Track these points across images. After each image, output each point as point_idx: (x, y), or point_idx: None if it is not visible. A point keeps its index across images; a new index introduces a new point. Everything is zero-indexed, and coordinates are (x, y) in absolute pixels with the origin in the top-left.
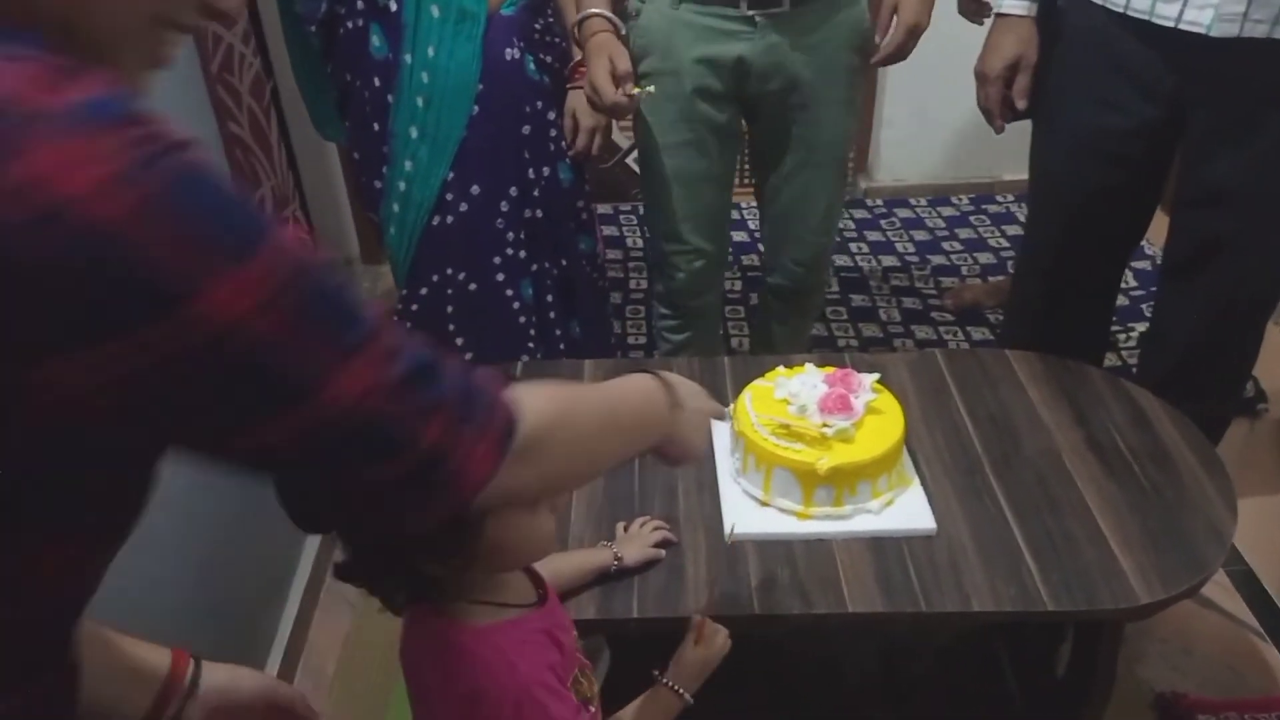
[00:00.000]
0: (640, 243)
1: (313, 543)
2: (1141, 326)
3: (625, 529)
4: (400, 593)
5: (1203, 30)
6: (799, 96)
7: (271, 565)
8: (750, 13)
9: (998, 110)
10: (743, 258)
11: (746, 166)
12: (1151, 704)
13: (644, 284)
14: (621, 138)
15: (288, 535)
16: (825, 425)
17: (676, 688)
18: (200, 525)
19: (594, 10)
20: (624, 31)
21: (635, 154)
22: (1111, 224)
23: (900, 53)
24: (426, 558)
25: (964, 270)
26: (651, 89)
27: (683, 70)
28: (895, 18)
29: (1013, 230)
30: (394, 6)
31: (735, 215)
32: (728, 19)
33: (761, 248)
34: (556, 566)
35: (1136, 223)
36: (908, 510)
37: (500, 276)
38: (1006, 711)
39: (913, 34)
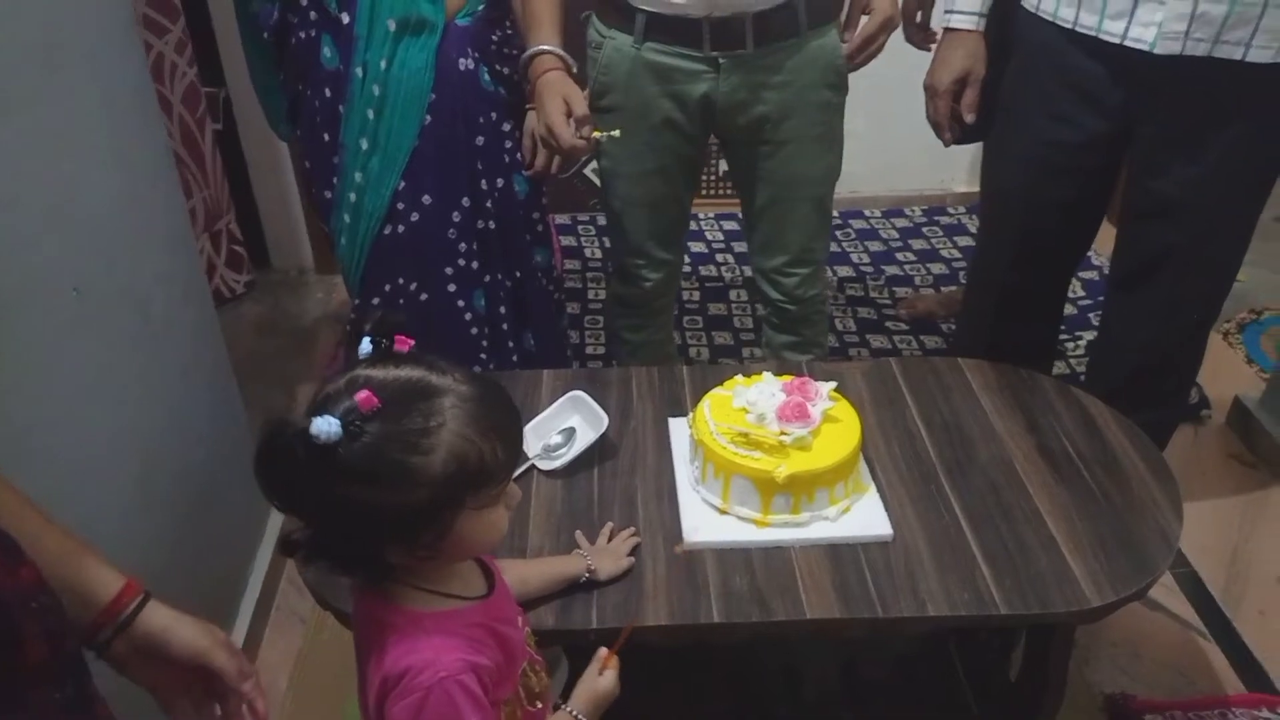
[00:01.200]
0: (599, 253)
1: (263, 560)
2: (1089, 335)
3: (594, 541)
4: (358, 575)
5: (1146, 48)
6: (769, 133)
7: (221, 583)
8: (713, 54)
9: (946, 124)
10: (700, 268)
11: (711, 178)
12: (1101, 706)
13: (603, 294)
14: None
15: (238, 553)
16: (783, 433)
17: (578, 716)
18: (148, 543)
19: (544, 47)
20: (575, 68)
21: (594, 164)
22: (1061, 235)
23: (870, 44)
24: (396, 549)
25: (917, 280)
26: (616, 133)
27: (648, 105)
28: (865, 16)
29: (964, 241)
30: (346, 19)
31: (693, 226)
32: (691, 59)
33: (735, 260)
34: (524, 574)
35: (1084, 234)
36: (864, 517)
37: (452, 287)
38: (962, 716)
39: (885, 27)
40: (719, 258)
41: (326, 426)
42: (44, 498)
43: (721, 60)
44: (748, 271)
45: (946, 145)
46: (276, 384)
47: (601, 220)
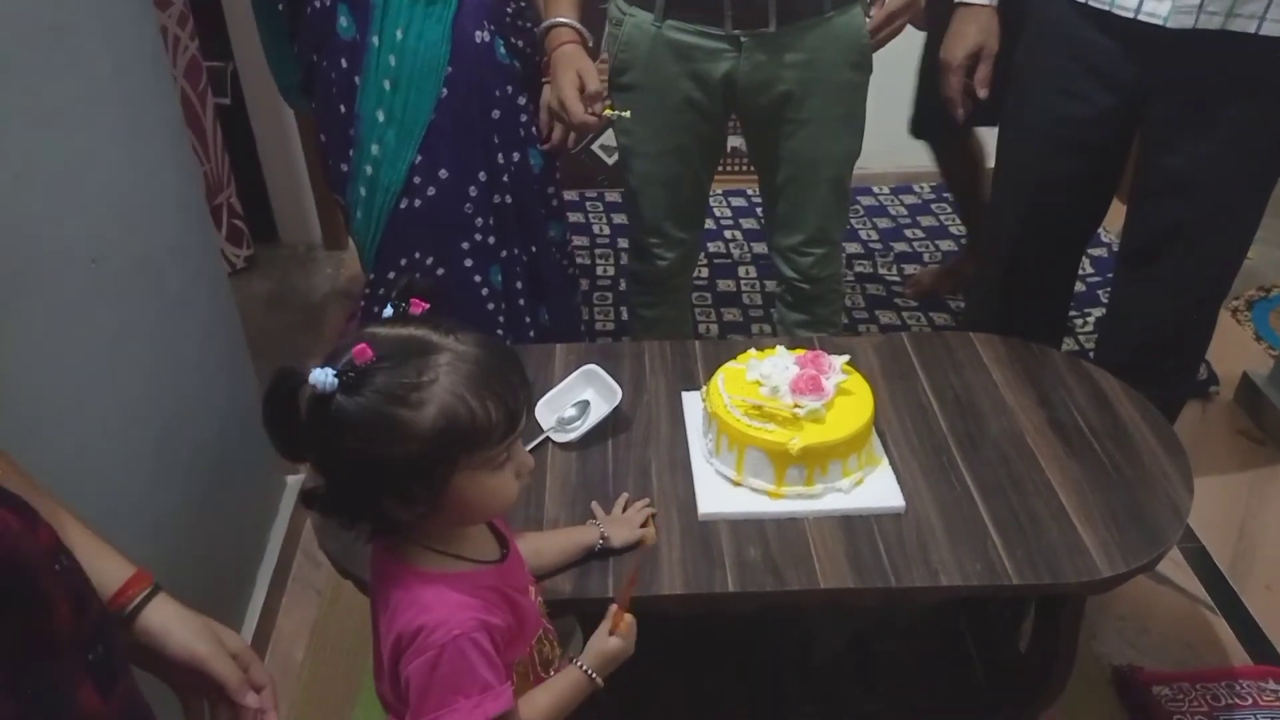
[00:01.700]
0: (607, 229)
1: (279, 532)
2: (1098, 312)
3: (609, 511)
4: (365, 528)
5: (1160, 22)
6: (790, 112)
7: (238, 555)
8: (735, 32)
9: (960, 99)
10: (709, 245)
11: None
12: (1109, 678)
13: (611, 270)
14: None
15: (254, 525)
16: (797, 406)
17: (588, 670)
18: (168, 513)
19: (561, 20)
20: (590, 41)
21: (601, 141)
22: (1071, 210)
23: (893, 20)
24: (394, 503)
25: (926, 257)
26: (627, 114)
27: (668, 84)
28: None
29: None
30: None
31: None
32: (712, 38)
33: (743, 236)
34: (538, 545)
35: (1095, 210)
36: (877, 489)
37: (468, 262)
38: (971, 687)
39: (909, 6)
40: (727, 234)
41: (323, 377)
42: (66, 466)
43: (743, 39)
44: (756, 248)
45: (960, 122)
46: (287, 358)
47: (610, 197)
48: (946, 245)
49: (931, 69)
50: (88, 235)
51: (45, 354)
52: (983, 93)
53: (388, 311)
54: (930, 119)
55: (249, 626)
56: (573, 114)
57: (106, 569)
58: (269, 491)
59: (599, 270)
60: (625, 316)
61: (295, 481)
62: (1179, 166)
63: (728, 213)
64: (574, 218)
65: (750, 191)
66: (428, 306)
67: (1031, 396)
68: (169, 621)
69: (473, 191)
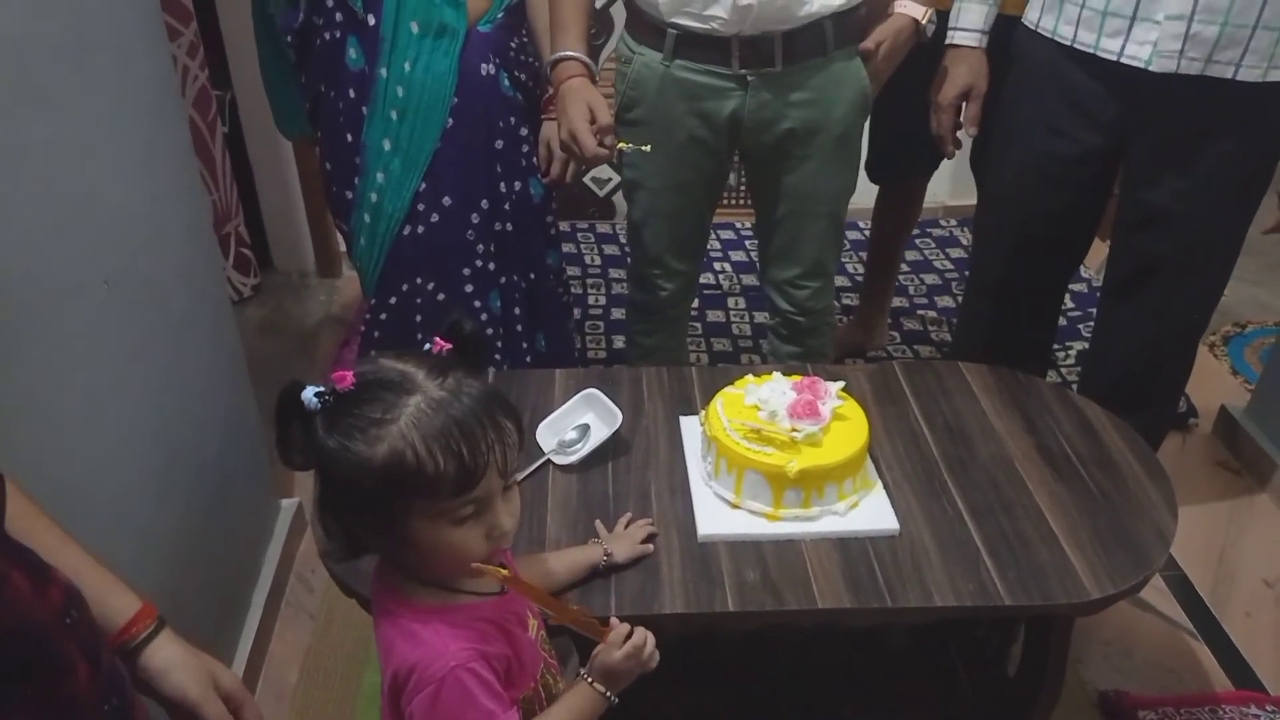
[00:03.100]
0: (598, 259)
1: (273, 555)
2: (1079, 345)
3: (610, 529)
4: (359, 552)
5: (1142, 65)
6: (793, 148)
7: (234, 577)
8: (742, 72)
9: (950, 137)
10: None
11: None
12: (1095, 702)
13: (603, 300)
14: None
15: (250, 548)
16: (794, 430)
17: (594, 683)
18: (170, 534)
19: (569, 53)
20: (598, 75)
21: (592, 173)
22: (1056, 244)
23: (887, 47)
24: (364, 532)
25: (911, 290)
26: (647, 147)
27: (674, 122)
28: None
29: (956, 253)
30: (372, 20)
31: None
32: (720, 77)
33: (754, 269)
34: (550, 566)
35: (1079, 243)
36: (872, 512)
37: (469, 287)
38: (961, 710)
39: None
40: (717, 266)
41: (309, 396)
42: (74, 487)
43: (750, 78)
44: (745, 280)
45: (950, 158)
46: (279, 383)
47: (601, 228)
48: (931, 279)
49: (889, 113)
50: (101, 258)
51: (58, 375)
52: (972, 131)
53: (427, 346)
54: (885, 163)
55: (243, 649)
56: (585, 146)
57: (114, 604)
58: (264, 515)
59: (590, 299)
60: (617, 345)
61: (290, 505)
62: (1160, 202)
63: (717, 245)
64: (566, 248)
65: (739, 225)
66: (449, 347)
67: (1019, 423)
68: (168, 663)
69: (475, 219)
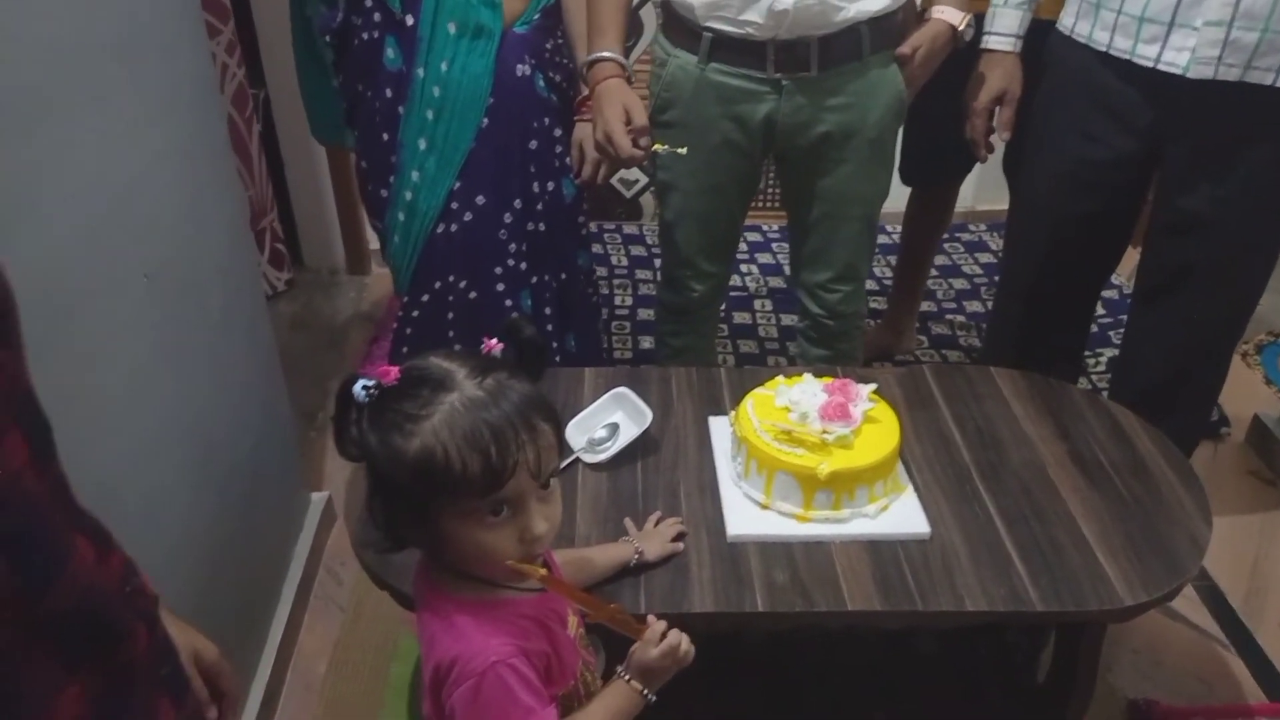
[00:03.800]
0: (625, 260)
1: (303, 548)
2: (1109, 352)
3: (640, 527)
4: (402, 545)
5: (1180, 71)
6: (829, 152)
7: (265, 570)
8: (777, 76)
9: (983, 141)
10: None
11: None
12: (1124, 710)
13: (629, 301)
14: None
15: (280, 541)
16: (825, 432)
17: (635, 683)
18: (205, 525)
19: (606, 54)
20: (632, 77)
21: (619, 174)
22: (1089, 249)
23: (918, 48)
24: (404, 526)
25: (939, 294)
26: (683, 150)
27: (709, 124)
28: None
29: (985, 257)
30: (410, 21)
31: None
32: (755, 81)
33: (781, 271)
34: (589, 556)
35: (1112, 249)
36: (903, 515)
37: (501, 286)
38: (990, 717)
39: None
40: (743, 268)
41: (358, 389)
42: (112, 478)
43: (785, 82)
44: (772, 283)
45: (982, 161)
46: (309, 380)
47: (628, 229)
48: (960, 284)
49: (923, 117)
50: (142, 252)
51: (100, 368)
52: (1005, 135)
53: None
54: (919, 166)
55: (273, 640)
56: (620, 147)
57: None
58: (295, 508)
59: (617, 300)
60: (644, 346)
61: (320, 499)
62: (1195, 207)
63: (744, 248)
64: (593, 249)
65: (766, 227)
66: (500, 347)
67: (1051, 429)
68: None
69: (508, 218)
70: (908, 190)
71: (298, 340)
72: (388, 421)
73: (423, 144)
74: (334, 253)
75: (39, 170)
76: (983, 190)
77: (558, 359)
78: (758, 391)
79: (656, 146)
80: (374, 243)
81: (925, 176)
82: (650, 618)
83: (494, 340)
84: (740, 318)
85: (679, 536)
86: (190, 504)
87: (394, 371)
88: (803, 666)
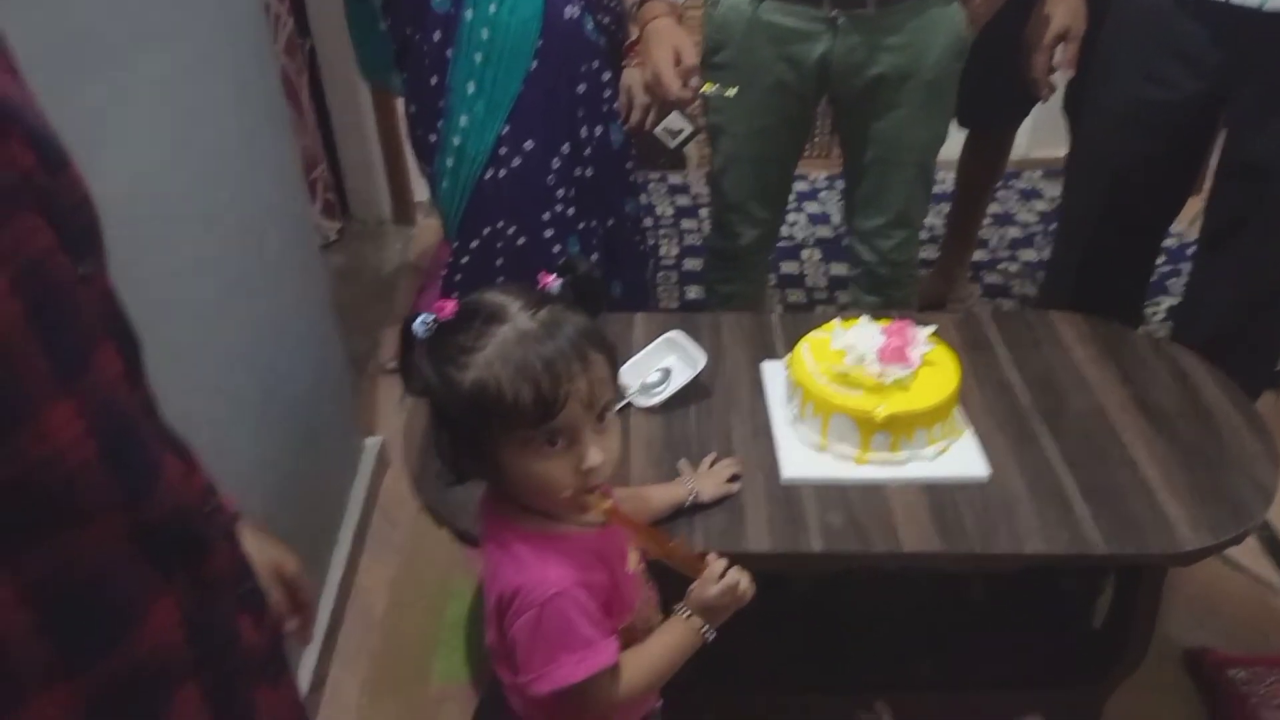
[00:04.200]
0: (670, 210)
1: (359, 492)
2: (1168, 301)
3: (695, 469)
4: (465, 479)
5: (1256, 5)
6: (884, 94)
7: (323, 511)
8: (833, 14)
9: (1045, 79)
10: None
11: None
12: (1181, 659)
13: (675, 250)
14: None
15: (337, 484)
16: (883, 374)
17: (694, 619)
18: (266, 466)
19: None
20: (683, 16)
21: (664, 123)
22: (1151, 194)
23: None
24: (464, 457)
25: (993, 243)
26: (731, 92)
27: (761, 66)
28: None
29: (1040, 205)
30: None
31: None
32: (809, 19)
33: (829, 221)
34: (647, 494)
35: (1175, 194)
36: (961, 458)
37: (549, 232)
38: (1041, 663)
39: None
40: (790, 218)
41: (417, 324)
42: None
43: (840, 20)
44: (820, 232)
45: (1044, 101)
46: (358, 329)
47: (673, 179)
48: (1014, 233)
49: (981, 55)
50: (201, 194)
51: (165, 306)
52: (1069, 73)
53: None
54: (975, 107)
55: (333, 579)
56: (668, 88)
57: None
58: (350, 452)
59: (662, 251)
60: (690, 295)
61: (373, 444)
62: (1263, 149)
63: (791, 197)
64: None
65: (814, 176)
66: (556, 282)
67: (1113, 374)
68: (252, 543)
69: (556, 164)
70: (961, 136)
71: (346, 290)
72: (444, 355)
73: (471, 88)
74: (380, 203)
75: (101, 113)
76: (1038, 136)
77: (600, 319)
78: (813, 335)
79: (705, 88)
80: (419, 194)
81: (982, 118)
82: (710, 555)
83: (551, 276)
84: (788, 267)
85: (734, 478)
86: (251, 443)
87: (450, 306)
88: (848, 615)
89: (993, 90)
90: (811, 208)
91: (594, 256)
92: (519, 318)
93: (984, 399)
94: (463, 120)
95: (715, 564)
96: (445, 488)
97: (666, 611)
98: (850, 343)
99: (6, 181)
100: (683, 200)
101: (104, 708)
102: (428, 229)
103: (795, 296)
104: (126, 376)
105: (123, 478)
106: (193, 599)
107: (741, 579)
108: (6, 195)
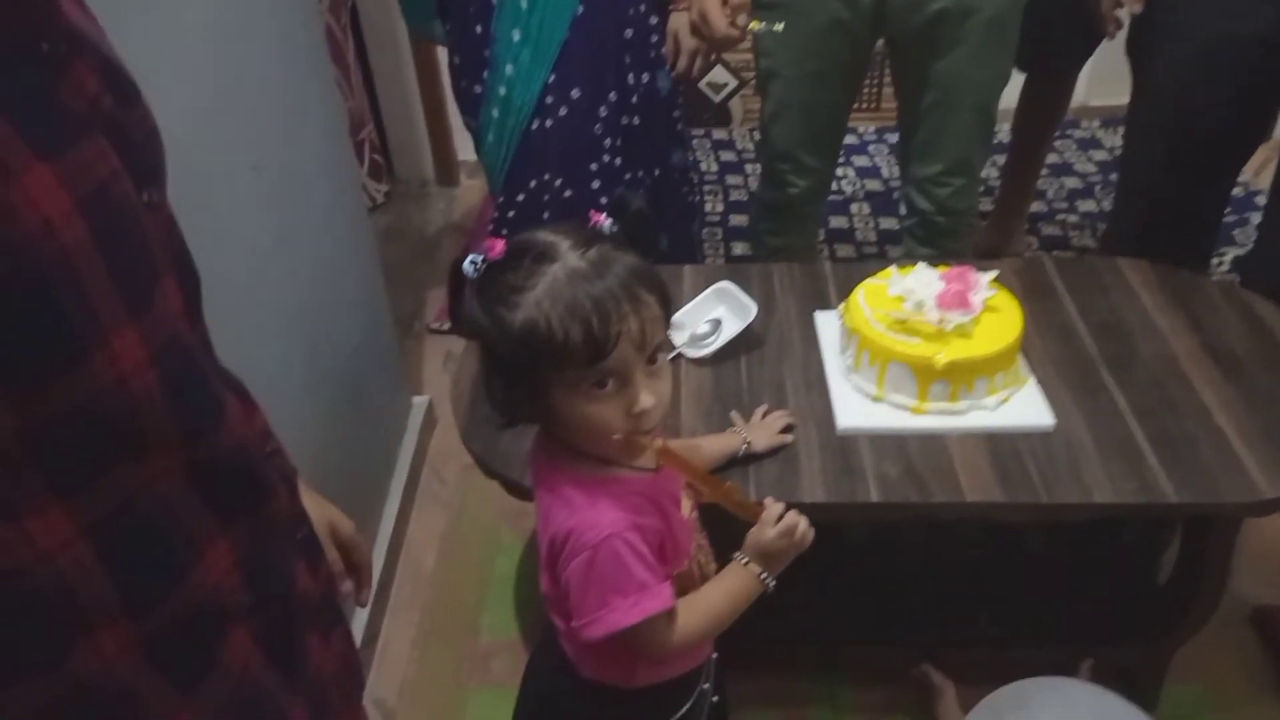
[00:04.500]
0: (715, 166)
1: (408, 449)
2: (1234, 252)
3: (747, 420)
4: (515, 421)
5: None
6: (944, 32)
7: (373, 467)
8: None
9: (1111, 15)
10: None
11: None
12: (1249, 617)
13: (720, 207)
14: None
15: (386, 440)
16: (943, 321)
17: (752, 565)
18: (313, 421)
19: None
20: None
21: (709, 78)
22: (1223, 138)
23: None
24: (514, 398)
25: (1050, 194)
26: (779, 27)
27: (815, 4)
28: None
29: (1099, 155)
30: None
31: None
32: None
33: (878, 174)
34: (698, 444)
35: (1249, 138)
36: (1024, 407)
37: (596, 183)
38: (1103, 619)
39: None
40: (839, 172)
41: (467, 264)
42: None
43: None
44: (870, 185)
45: (1110, 38)
46: (405, 289)
47: (717, 134)
48: (1072, 183)
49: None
50: (247, 143)
51: (215, 251)
52: (1136, 8)
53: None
54: (1036, 47)
55: (384, 534)
56: (715, 26)
57: None
58: (398, 410)
59: (707, 207)
60: (736, 252)
61: (421, 402)
62: None
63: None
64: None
65: (862, 129)
66: (606, 221)
67: (1183, 321)
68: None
69: (603, 112)
70: (1018, 83)
71: (391, 251)
72: (494, 294)
73: (516, 35)
74: (423, 164)
75: (148, 55)
76: (1096, 83)
77: (650, 259)
78: (869, 282)
79: (753, 25)
80: (463, 153)
81: (1044, 59)
82: (768, 499)
83: (601, 215)
84: (837, 222)
85: (787, 429)
86: (300, 396)
87: (500, 245)
88: (903, 569)
89: (1056, 28)
90: (860, 161)
91: None
92: (569, 256)
93: (1047, 347)
94: (508, 69)
95: (773, 507)
96: (495, 432)
97: (723, 561)
98: (909, 288)
99: (75, 106)
100: (728, 156)
101: (162, 647)
102: (471, 189)
103: (845, 252)
104: (186, 312)
105: (185, 411)
106: (250, 542)
107: (800, 522)
108: (74, 119)
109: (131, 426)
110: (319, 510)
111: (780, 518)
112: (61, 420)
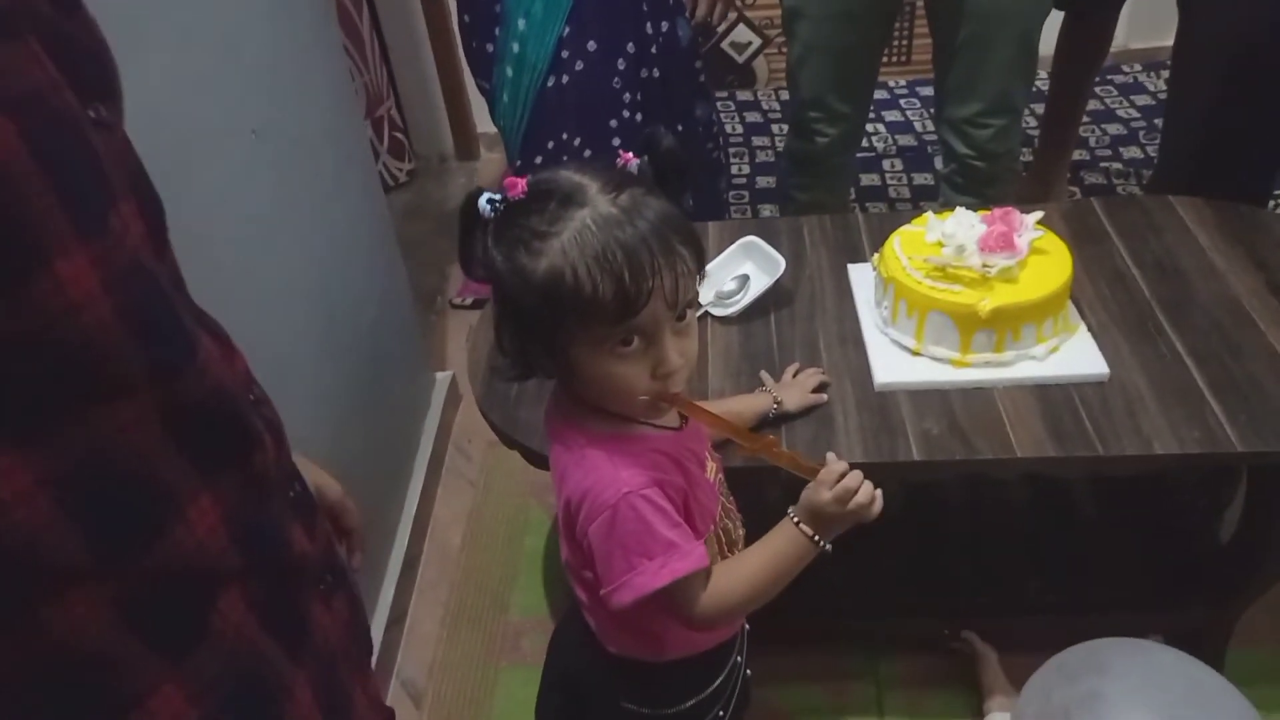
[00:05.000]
0: (740, 128)
1: (431, 425)
2: None
3: (777, 379)
4: (527, 374)
5: None
6: None
7: (396, 444)
8: None
9: None
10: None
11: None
12: None
13: (746, 168)
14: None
15: (409, 417)
16: (986, 265)
17: (804, 526)
18: (331, 393)
19: None
20: None
21: (731, 38)
22: (1273, 75)
23: None
24: (532, 352)
25: (1091, 142)
26: None
27: None
28: None
29: (1141, 100)
30: None
31: None
32: None
33: (910, 129)
34: (727, 404)
35: None
36: (1075, 356)
37: (616, 140)
38: (1161, 582)
39: None
40: (869, 127)
41: (483, 202)
42: (243, 326)
43: None
44: (901, 140)
45: None
46: (426, 264)
47: (741, 96)
48: (1114, 129)
49: None
50: (247, 108)
51: (215, 215)
52: None
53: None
54: None
55: (409, 512)
56: None
57: None
58: (420, 386)
59: (733, 169)
60: (764, 214)
61: (444, 378)
62: None
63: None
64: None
65: (893, 83)
66: (636, 161)
67: (1244, 259)
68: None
69: (621, 65)
70: (1055, 27)
71: (412, 227)
72: (514, 238)
73: None
74: (442, 139)
75: (140, 12)
76: (1136, 25)
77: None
78: (905, 229)
79: None
80: (481, 126)
81: None
82: (830, 455)
83: (629, 154)
84: (868, 179)
85: (820, 387)
86: (316, 369)
87: (521, 184)
88: (945, 532)
89: None
90: (892, 116)
91: None
92: (598, 200)
93: (1099, 293)
94: (520, 24)
95: (834, 465)
96: (514, 401)
97: (752, 529)
98: (948, 232)
99: (4, 4)
100: (753, 117)
101: (141, 610)
102: (491, 163)
103: (877, 209)
104: (150, 240)
105: (150, 346)
106: (237, 497)
107: (863, 486)
108: (3, 17)
109: (88, 360)
110: (305, 471)
111: (840, 478)
112: (6, 351)
